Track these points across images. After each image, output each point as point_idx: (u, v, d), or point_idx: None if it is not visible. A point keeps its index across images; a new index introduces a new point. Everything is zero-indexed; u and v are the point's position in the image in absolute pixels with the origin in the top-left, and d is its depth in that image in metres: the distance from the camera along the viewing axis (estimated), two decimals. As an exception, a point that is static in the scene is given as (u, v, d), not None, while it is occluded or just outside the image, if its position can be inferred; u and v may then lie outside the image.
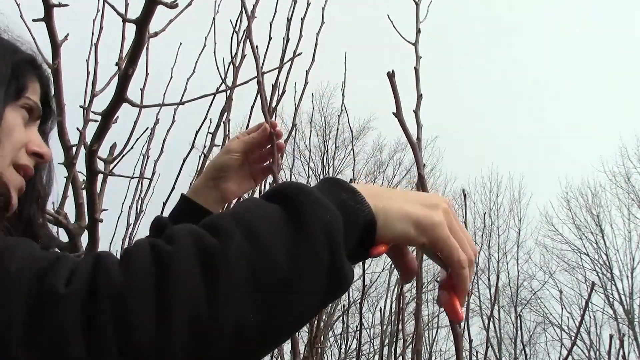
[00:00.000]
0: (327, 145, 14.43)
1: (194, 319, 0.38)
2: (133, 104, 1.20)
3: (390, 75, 1.01)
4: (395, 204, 0.49)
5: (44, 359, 0.36)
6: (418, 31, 1.41)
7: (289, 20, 1.75)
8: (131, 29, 1.03)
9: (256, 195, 1.80)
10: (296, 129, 2.00)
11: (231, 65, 1.89)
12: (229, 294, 0.40)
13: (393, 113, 1.04)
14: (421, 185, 1.06)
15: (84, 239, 1.58)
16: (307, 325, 1.72)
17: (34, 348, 0.36)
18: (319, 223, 0.44)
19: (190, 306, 0.39)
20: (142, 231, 2.04)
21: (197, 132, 1.98)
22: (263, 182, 1.02)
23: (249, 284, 0.40)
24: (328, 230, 0.44)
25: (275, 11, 1.83)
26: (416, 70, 1.29)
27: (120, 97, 1.13)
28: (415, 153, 1.06)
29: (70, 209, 1.59)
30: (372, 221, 0.48)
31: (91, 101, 1.76)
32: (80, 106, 1.72)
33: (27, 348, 0.36)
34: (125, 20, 1.22)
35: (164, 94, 2.03)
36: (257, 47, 1.21)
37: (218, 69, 1.91)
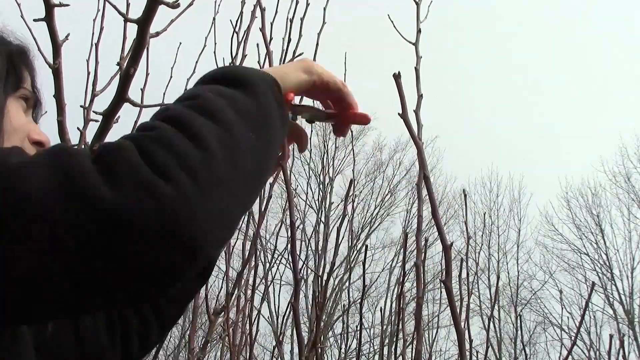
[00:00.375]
0: (327, 145, 14.43)
1: (220, 140, 0.50)
2: (134, 104, 1.20)
3: (396, 77, 1.01)
4: (285, 69, 0.67)
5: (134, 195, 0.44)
6: (418, 31, 1.41)
7: (290, 21, 1.75)
8: (132, 28, 1.03)
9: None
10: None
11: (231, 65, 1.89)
12: (231, 124, 0.52)
13: (399, 114, 1.04)
14: (427, 187, 1.06)
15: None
16: (307, 325, 1.72)
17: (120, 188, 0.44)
18: (264, 82, 0.59)
19: (213, 133, 0.50)
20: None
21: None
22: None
23: (240, 119, 0.53)
24: (271, 87, 0.60)
25: (276, 12, 1.83)
26: (416, 70, 1.29)
27: (121, 97, 1.13)
28: (421, 154, 1.06)
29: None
30: (276, 81, 0.61)
31: (92, 101, 1.76)
32: (81, 106, 1.73)
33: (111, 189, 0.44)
34: (127, 20, 1.22)
35: (164, 94, 2.03)
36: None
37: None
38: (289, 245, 1.01)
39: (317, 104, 0.77)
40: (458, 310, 1.77)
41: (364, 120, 0.75)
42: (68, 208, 0.43)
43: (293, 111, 0.70)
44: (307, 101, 0.79)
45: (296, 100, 0.69)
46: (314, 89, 0.69)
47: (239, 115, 0.53)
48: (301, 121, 0.75)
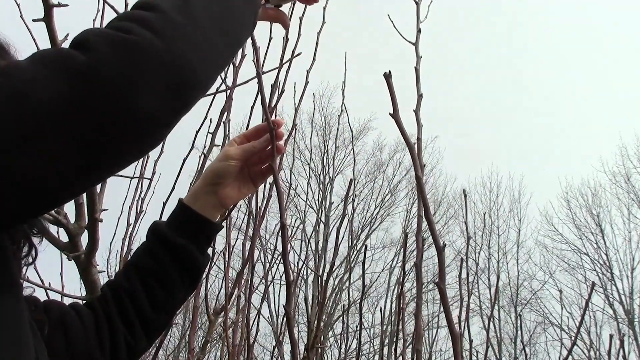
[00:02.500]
0: (327, 145, 14.43)
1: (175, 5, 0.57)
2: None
3: (387, 76, 1.00)
4: None
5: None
6: (418, 31, 1.41)
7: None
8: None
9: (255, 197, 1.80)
10: (296, 129, 2.00)
11: (231, 65, 1.89)
12: None
13: (390, 114, 1.04)
14: (418, 187, 1.05)
15: (84, 239, 1.58)
16: (307, 325, 1.72)
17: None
18: None
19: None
20: (142, 231, 2.04)
21: (197, 132, 1.97)
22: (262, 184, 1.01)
23: None
24: None
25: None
26: (416, 70, 1.29)
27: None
28: (412, 153, 1.05)
29: (70, 209, 1.59)
30: None
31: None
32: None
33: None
34: (125, 20, 1.22)
35: (164, 94, 2.02)
36: (258, 47, 1.21)
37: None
38: (281, 248, 1.00)
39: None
40: (459, 311, 1.77)
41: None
42: (54, 78, 0.49)
43: None
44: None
45: None
46: None
47: None
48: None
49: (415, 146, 1.11)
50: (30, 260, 0.69)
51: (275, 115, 1.57)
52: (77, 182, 0.53)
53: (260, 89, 1.13)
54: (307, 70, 1.85)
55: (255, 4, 0.68)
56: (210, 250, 0.92)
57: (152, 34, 0.53)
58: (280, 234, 1.03)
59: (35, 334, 0.59)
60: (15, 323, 0.55)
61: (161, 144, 2.07)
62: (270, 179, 1.02)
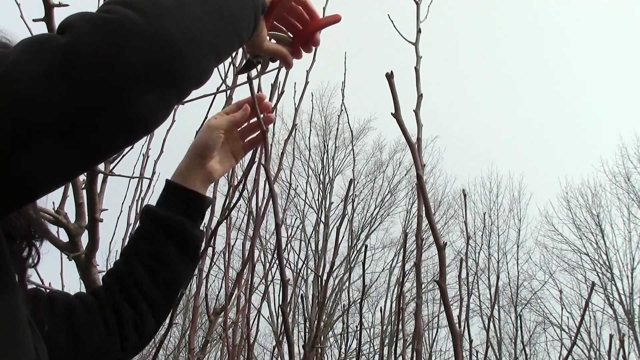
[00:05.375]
0: (327, 145, 14.43)
1: None
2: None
3: (389, 76, 1.00)
4: None
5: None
6: (418, 31, 1.41)
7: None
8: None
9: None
10: (296, 129, 2.00)
11: (231, 65, 1.89)
12: None
13: (392, 114, 1.04)
14: (419, 186, 1.05)
15: (84, 239, 1.58)
16: (307, 325, 1.72)
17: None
18: None
19: None
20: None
21: (197, 132, 1.97)
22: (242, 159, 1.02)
23: None
24: None
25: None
26: (416, 70, 1.29)
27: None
28: (414, 153, 1.05)
29: (70, 209, 1.59)
30: None
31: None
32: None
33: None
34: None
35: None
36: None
37: (218, 69, 1.91)
38: (276, 248, 1.01)
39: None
40: (459, 311, 1.77)
41: (334, 19, 0.81)
42: (34, 58, 0.49)
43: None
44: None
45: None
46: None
47: None
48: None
49: (416, 145, 1.12)
50: (32, 262, 0.69)
51: (275, 114, 1.57)
52: (61, 166, 0.52)
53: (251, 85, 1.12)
54: (307, 71, 1.85)
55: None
56: (210, 250, 0.93)
57: (132, 12, 0.52)
58: (275, 232, 1.03)
59: (35, 333, 0.59)
60: (14, 324, 0.54)
61: (161, 144, 2.08)
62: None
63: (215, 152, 0.92)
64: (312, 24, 0.81)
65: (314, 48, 0.84)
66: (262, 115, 0.97)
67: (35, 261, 0.69)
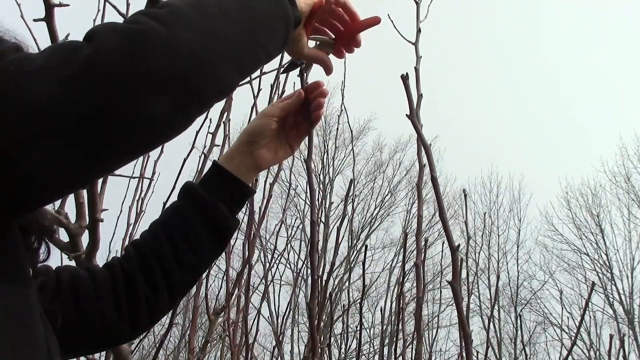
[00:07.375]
0: (327, 145, 14.42)
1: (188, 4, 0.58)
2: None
3: (404, 78, 1.00)
4: None
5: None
6: (418, 31, 1.41)
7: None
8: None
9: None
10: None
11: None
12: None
13: (407, 115, 1.04)
14: (435, 187, 1.05)
15: (85, 239, 1.58)
16: (307, 324, 1.72)
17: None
18: None
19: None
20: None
21: (197, 132, 1.98)
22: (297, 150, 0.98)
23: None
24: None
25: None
26: (416, 70, 1.29)
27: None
28: (429, 156, 1.06)
29: (70, 209, 1.59)
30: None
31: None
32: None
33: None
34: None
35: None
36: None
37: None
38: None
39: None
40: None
41: (374, 21, 0.83)
42: (57, 66, 0.51)
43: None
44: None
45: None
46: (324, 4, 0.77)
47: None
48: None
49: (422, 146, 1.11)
50: (42, 257, 0.69)
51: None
52: (77, 173, 0.54)
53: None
54: (305, 71, 1.85)
55: (284, 9, 0.67)
56: None
57: (157, 23, 0.54)
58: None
59: (47, 326, 0.60)
60: (25, 317, 0.55)
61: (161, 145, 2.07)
62: (270, 180, 1.03)
63: (266, 139, 0.88)
64: (353, 25, 0.83)
65: (355, 49, 0.85)
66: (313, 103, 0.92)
67: (46, 256, 0.70)
